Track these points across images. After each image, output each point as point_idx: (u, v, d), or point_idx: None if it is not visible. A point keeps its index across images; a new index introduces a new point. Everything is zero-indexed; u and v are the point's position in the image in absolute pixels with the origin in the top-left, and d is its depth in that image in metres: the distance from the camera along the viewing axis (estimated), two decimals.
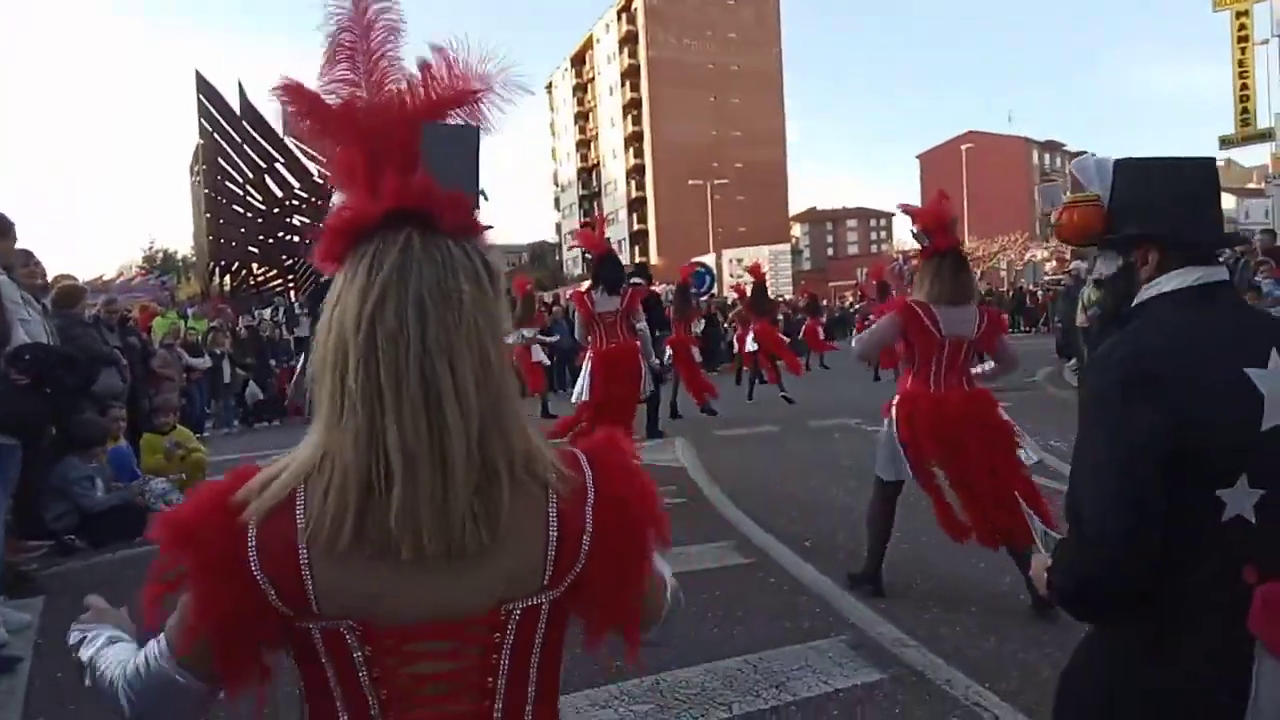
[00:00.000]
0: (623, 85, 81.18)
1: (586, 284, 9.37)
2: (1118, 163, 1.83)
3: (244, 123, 25.81)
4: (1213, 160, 1.85)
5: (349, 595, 1.10)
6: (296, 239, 27.20)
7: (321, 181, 26.98)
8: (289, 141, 26.27)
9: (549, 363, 14.41)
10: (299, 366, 16.09)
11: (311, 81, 1.20)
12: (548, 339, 14.78)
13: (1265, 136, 25.14)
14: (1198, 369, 1.62)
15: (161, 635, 1.18)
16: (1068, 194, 1.85)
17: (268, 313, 18.88)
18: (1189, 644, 1.60)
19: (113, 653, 1.28)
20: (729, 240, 53.65)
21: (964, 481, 4.74)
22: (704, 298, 22.24)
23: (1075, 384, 14.35)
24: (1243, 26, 25.90)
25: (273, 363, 16.25)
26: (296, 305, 22.24)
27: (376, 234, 1.12)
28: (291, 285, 27.91)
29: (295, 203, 26.68)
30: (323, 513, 1.08)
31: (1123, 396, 1.63)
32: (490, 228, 1.21)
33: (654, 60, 78.19)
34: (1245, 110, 25.89)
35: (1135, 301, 1.79)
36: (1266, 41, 24.21)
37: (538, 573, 1.15)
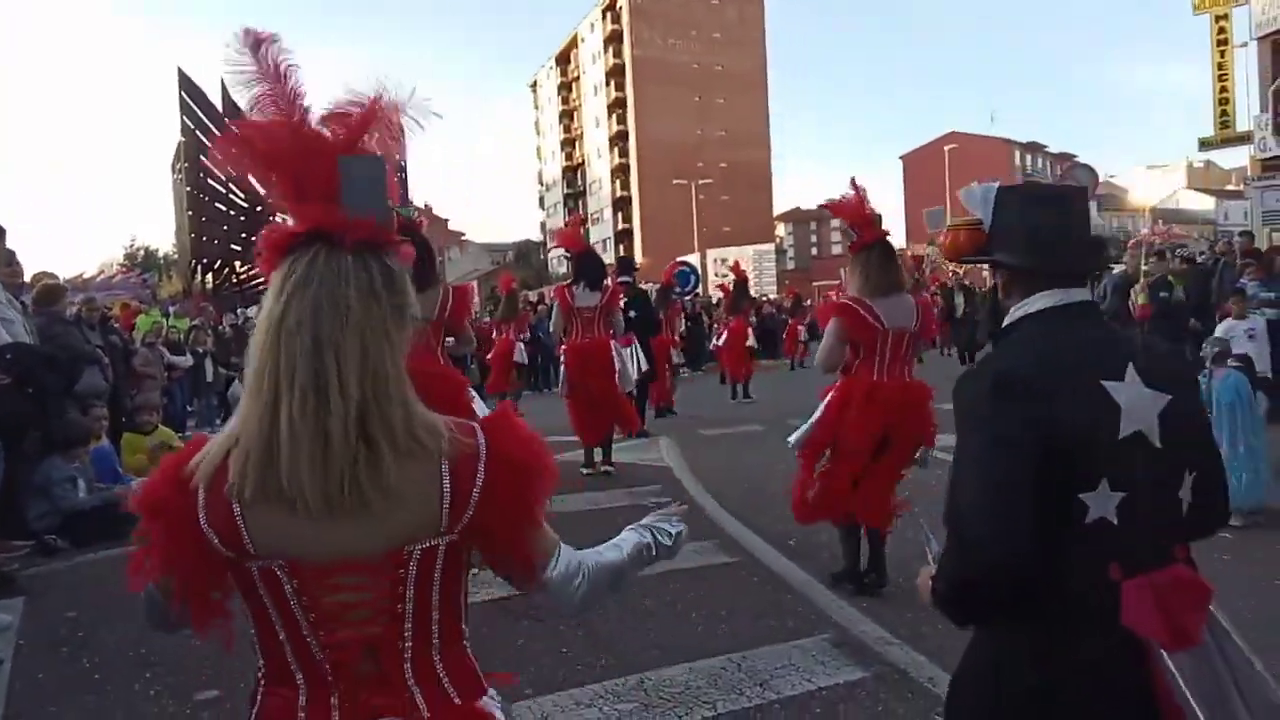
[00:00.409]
0: (607, 84, 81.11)
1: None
2: (998, 191, 1.98)
3: (227, 120, 25.67)
4: (1082, 190, 2.08)
5: (276, 540, 1.38)
6: None
7: None
8: None
9: (526, 362, 14.43)
10: None
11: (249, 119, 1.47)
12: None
13: (1244, 139, 25.34)
14: (1060, 382, 1.74)
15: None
16: (949, 218, 2.06)
17: (252, 311, 18.75)
18: (1072, 646, 1.69)
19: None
20: (713, 240, 53.67)
21: (889, 466, 4.99)
22: (688, 297, 22.28)
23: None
24: (1222, 30, 26.11)
25: None
26: None
27: (295, 250, 1.40)
28: None
29: None
30: (240, 474, 1.36)
31: (993, 408, 1.75)
32: (404, 241, 1.49)
33: (639, 59, 78.17)
34: (1224, 113, 26.10)
35: (1006, 321, 1.94)
36: (1245, 45, 24.41)
37: (435, 520, 1.41)
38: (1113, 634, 1.67)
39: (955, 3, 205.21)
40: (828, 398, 5.11)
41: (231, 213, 26.23)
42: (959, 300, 15.46)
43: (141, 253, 56.85)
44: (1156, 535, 1.76)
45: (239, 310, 19.09)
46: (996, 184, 2.00)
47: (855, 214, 5.11)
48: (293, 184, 1.44)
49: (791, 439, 5.23)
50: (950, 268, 22.49)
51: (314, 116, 1.46)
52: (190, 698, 4.08)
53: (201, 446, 1.43)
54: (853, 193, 5.14)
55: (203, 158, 25.40)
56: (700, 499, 7.24)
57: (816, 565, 5.55)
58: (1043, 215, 1.94)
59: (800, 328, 22.42)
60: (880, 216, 5.22)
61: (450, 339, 5.42)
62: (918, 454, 5.06)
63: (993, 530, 1.68)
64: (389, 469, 1.36)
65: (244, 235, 26.47)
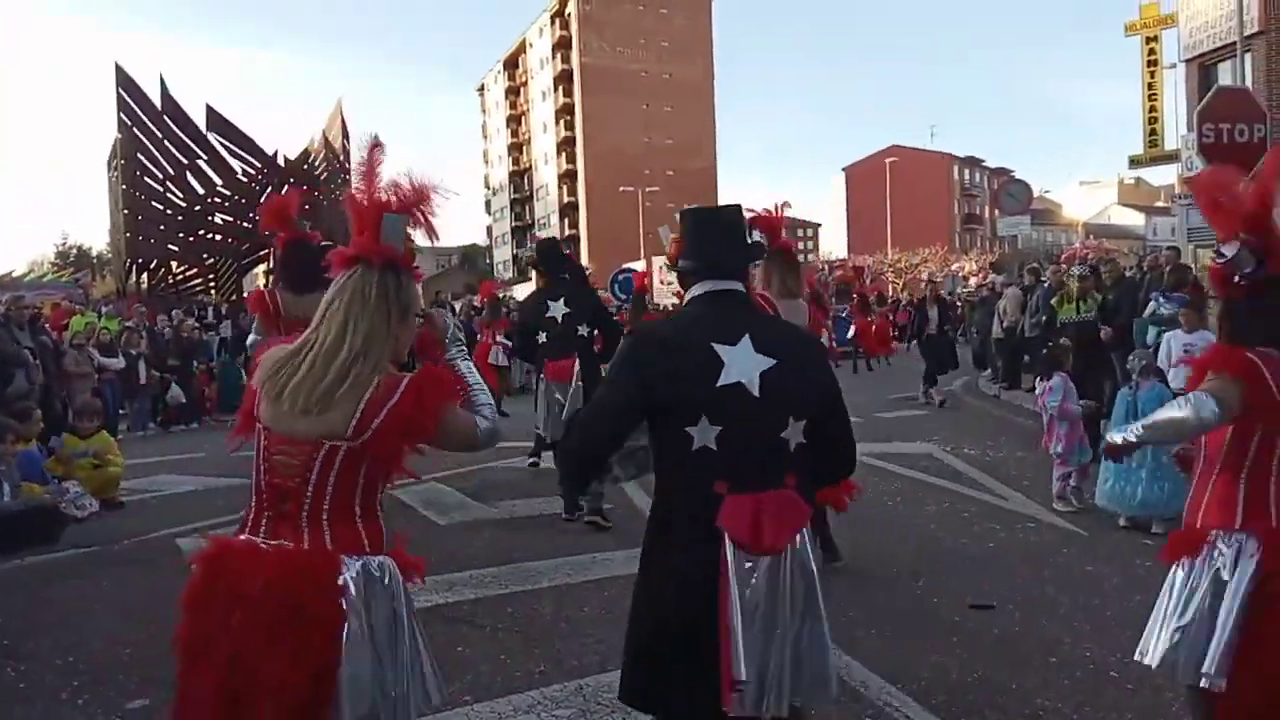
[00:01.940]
0: (555, 90, 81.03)
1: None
2: (681, 212, 2.74)
3: (165, 118, 25.07)
4: (735, 208, 2.72)
5: (266, 412, 2.27)
6: (218, 238, 26.51)
7: (245, 180, 26.40)
8: (212, 138, 25.67)
9: (506, 364, 14.46)
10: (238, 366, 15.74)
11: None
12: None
13: (1172, 158, 26.20)
14: (678, 343, 2.41)
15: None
16: (674, 232, 2.70)
17: (192, 315, 18.36)
18: (681, 530, 2.36)
19: None
20: (660, 247, 53.84)
21: None
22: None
23: (991, 394, 14.78)
24: (1152, 51, 26.99)
25: (195, 365, 15.77)
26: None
27: (352, 265, 2.33)
28: (213, 285, 27.19)
29: (217, 200, 25.96)
30: (267, 370, 2.30)
31: (622, 359, 2.49)
32: (417, 268, 2.42)
33: (587, 66, 78.24)
34: (1154, 132, 26.97)
35: (685, 302, 2.62)
36: (1174, 66, 25.26)
37: (346, 427, 2.19)
38: (711, 533, 2.25)
39: (898, 20, 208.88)
40: None
41: (169, 212, 25.58)
42: (933, 314, 14.55)
43: (74, 251, 55.27)
44: (763, 464, 2.33)
45: (174, 312, 18.62)
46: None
47: (767, 225, 5.52)
48: (358, 228, 2.34)
49: None
50: (925, 279, 22.64)
51: (382, 183, 2.39)
52: (120, 706, 4.01)
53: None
54: (772, 209, 5.63)
55: (140, 155, 24.78)
56: (641, 505, 7.27)
57: None
58: (700, 229, 2.61)
59: None
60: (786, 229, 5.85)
61: None
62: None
63: (586, 431, 2.48)
64: (348, 393, 2.20)
65: (181, 235, 25.89)
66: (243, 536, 2.27)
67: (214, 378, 16.08)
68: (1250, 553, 2.54)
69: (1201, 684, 2.54)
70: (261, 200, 26.67)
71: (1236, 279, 2.70)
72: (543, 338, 6.84)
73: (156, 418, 14.76)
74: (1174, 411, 2.67)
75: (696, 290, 2.54)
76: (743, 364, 2.35)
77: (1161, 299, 8.76)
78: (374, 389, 2.20)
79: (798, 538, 2.30)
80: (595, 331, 6.95)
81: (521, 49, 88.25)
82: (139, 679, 4.25)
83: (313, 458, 2.20)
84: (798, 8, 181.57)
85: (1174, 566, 2.73)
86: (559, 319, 6.79)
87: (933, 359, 14.20)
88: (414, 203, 2.37)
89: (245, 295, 28.16)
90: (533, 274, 9.23)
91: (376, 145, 2.41)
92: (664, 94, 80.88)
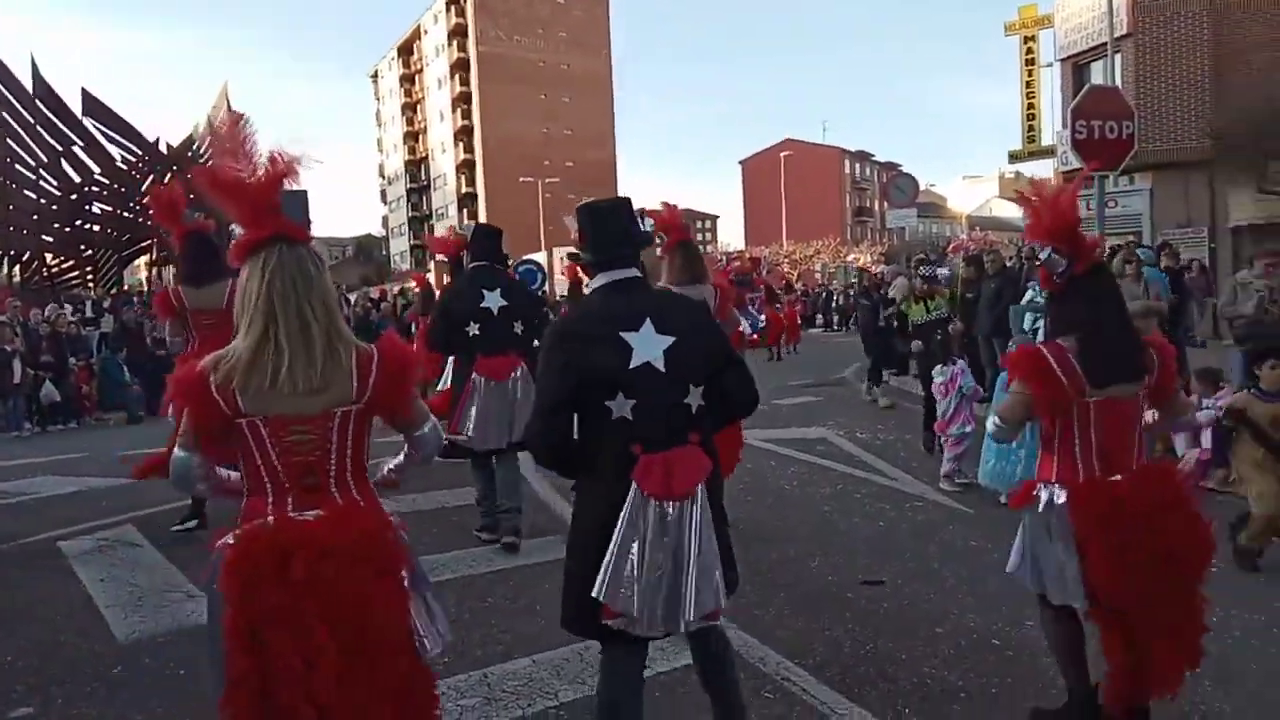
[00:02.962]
0: (452, 78, 79.78)
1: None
2: (577, 209, 3.02)
3: (38, 102, 23.80)
4: (624, 201, 3.05)
5: (258, 405, 2.34)
6: (96, 228, 25.31)
7: (125, 167, 25.26)
8: (88, 123, 24.47)
9: None
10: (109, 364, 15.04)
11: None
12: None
13: (1049, 153, 27.43)
14: (592, 331, 2.78)
15: (176, 448, 2.48)
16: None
17: (69, 309, 17.44)
18: (604, 481, 2.76)
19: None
20: (560, 238, 53.63)
21: None
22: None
23: (883, 379, 15.23)
24: (1030, 51, 28.19)
25: (72, 361, 14.99)
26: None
27: (269, 245, 2.40)
28: (91, 278, 25.95)
29: (95, 189, 24.79)
30: (241, 370, 2.33)
31: (549, 346, 2.82)
32: (313, 238, 2.48)
33: (484, 55, 77.27)
34: (1032, 128, 28.18)
35: (586, 293, 2.97)
36: (1050, 65, 26.44)
37: (349, 395, 2.42)
38: (625, 480, 2.69)
39: (792, 15, 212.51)
40: None
41: (43, 202, 24.32)
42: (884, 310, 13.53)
43: None
44: (670, 427, 2.76)
45: (50, 306, 17.70)
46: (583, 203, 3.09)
47: (666, 220, 6.14)
48: (251, 209, 2.41)
49: None
50: (874, 271, 22.95)
51: (261, 161, 2.41)
52: (3, 715, 3.86)
53: (204, 364, 2.36)
54: (664, 208, 6.26)
55: (10, 141, 23.45)
56: (545, 495, 7.30)
57: None
58: (596, 223, 2.93)
59: None
60: (689, 225, 6.24)
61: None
62: None
63: (539, 428, 2.79)
64: (333, 366, 2.39)
65: (56, 226, 24.64)
66: (269, 519, 2.35)
67: (94, 374, 15.36)
68: (1060, 498, 3.17)
69: (1073, 603, 3.18)
70: (143, 188, 25.77)
71: (1055, 278, 3.24)
72: (475, 330, 5.93)
73: (33, 417, 14.04)
74: (991, 425, 3.39)
75: (600, 281, 2.90)
76: (648, 346, 2.77)
77: (1038, 287, 9.19)
78: (356, 353, 2.44)
79: (699, 487, 2.75)
80: (525, 330, 6.11)
81: (416, 35, 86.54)
82: (22, 686, 4.09)
83: (329, 427, 2.39)
84: (695, 3, 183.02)
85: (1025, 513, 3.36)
86: (494, 311, 5.94)
87: (877, 353, 13.16)
88: (289, 174, 2.45)
89: (125, 288, 27.06)
90: (433, 263, 8.88)
91: (240, 121, 2.51)
92: (563, 85, 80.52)
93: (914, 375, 12.75)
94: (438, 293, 8.69)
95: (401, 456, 2.84)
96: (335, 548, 2.29)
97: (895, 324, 9.43)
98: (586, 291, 2.96)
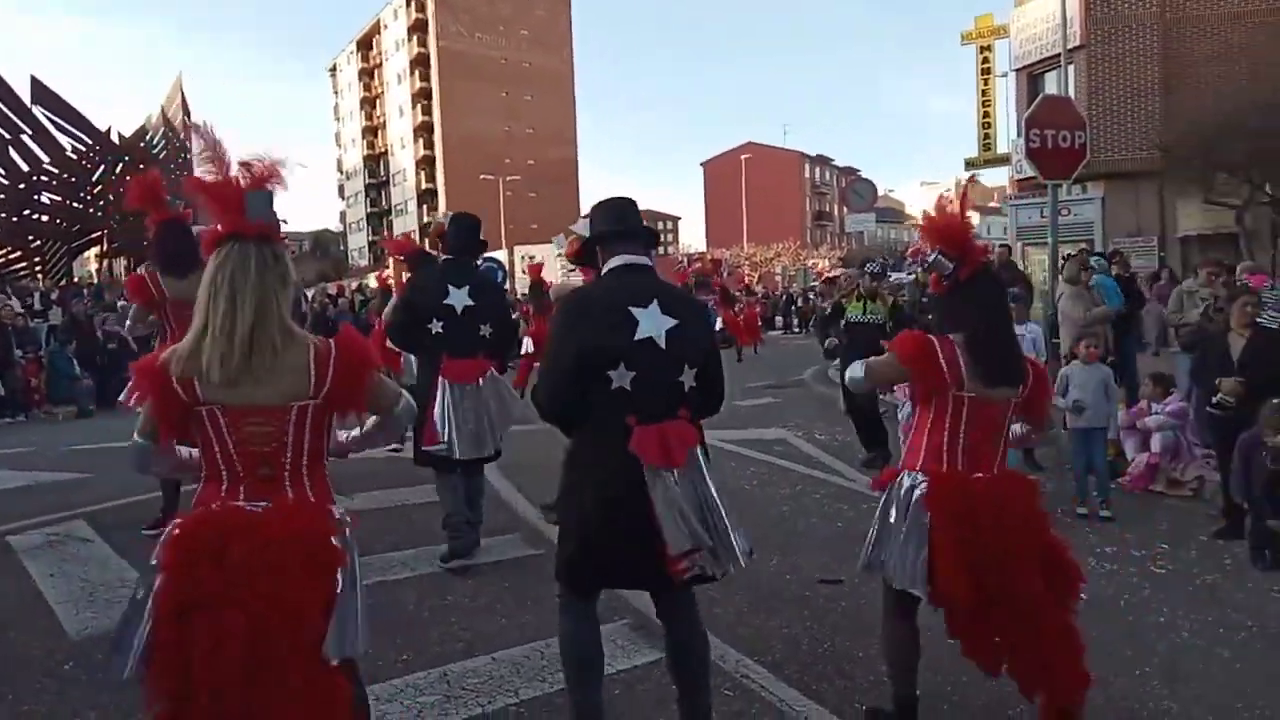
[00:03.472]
0: (412, 74, 79.12)
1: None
2: (592, 207, 3.41)
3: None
4: (625, 200, 3.35)
5: (217, 394, 2.43)
6: (45, 218, 24.75)
7: (75, 157, 24.72)
8: (37, 111, 23.91)
9: None
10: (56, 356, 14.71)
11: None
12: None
13: (1004, 160, 27.93)
14: (600, 306, 3.07)
15: (135, 432, 2.59)
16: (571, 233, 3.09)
17: (15, 302, 16.98)
18: (603, 447, 3.01)
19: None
20: (521, 236, 53.53)
21: None
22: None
23: (838, 381, 15.40)
24: (986, 60, 28.68)
25: (19, 354, 14.60)
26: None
27: (226, 242, 2.51)
28: (39, 269, 25.37)
29: (44, 179, 24.23)
30: (183, 359, 2.44)
31: (559, 323, 3.11)
32: (283, 238, 2.61)
33: (444, 51, 76.75)
34: (987, 136, 28.67)
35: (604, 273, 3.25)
36: (1006, 75, 26.90)
37: (306, 390, 2.49)
38: (626, 454, 2.93)
39: (753, 20, 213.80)
40: None
41: None
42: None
43: None
44: (666, 400, 3.01)
45: None
46: (586, 216, 3.61)
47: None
48: (220, 208, 2.53)
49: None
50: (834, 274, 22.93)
51: (235, 162, 2.60)
52: None
53: (159, 359, 2.47)
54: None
55: None
56: (506, 494, 7.29)
57: None
58: (615, 213, 3.28)
59: None
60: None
61: None
62: None
63: (547, 396, 3.08)
64: (279, 354, 2.46)
65: (3, 216, 24.05)
66: (215, 505, 2.46)
67: (42, 367, 15.00)
68: (920, 487, 3.28)
69: (914, 591, 3.25)
70: (94, 179, 25.24)
71: (943, 279, 3.42)
72: (438, 328, 5.45)
73: None
74: (852, 372, 3.68)
75: (614, 263, 3.20)
76: (653, 323, 3.03)
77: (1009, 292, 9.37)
78: (313, 349, 2.51)
79: (690, 454, 3.03)
80: (494, 333, 5.66)
81: (376, 29, 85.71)
82: None
83: (286, 420, 2.48)
84: (657, 5, 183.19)
85: (881, 496, 3.47)
86: (458, 310, 5.46)
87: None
88: (269, 178, 2.59)
89: (75, 280, 26.46)
90: (392, 261, 8.64)
91: (209, 130, 2.65)
92: (524, 83, 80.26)
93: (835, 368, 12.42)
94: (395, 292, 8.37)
95: (359, 431, 2.89)
96: (276, 540, 2.37)
97: (828, 313, 9.38)
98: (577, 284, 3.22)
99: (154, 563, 2.41)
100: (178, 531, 2.41)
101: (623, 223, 3.23)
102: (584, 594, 3.20)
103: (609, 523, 2.97)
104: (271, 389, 2.45)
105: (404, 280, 8.08)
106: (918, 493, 3.27)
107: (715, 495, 3.07)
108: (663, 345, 3.01)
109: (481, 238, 5.88)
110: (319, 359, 2.49)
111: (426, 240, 12.26)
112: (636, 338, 2.99)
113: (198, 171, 2.63)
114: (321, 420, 2.54)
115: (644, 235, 3.28)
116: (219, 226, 2.53)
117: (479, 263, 6.51)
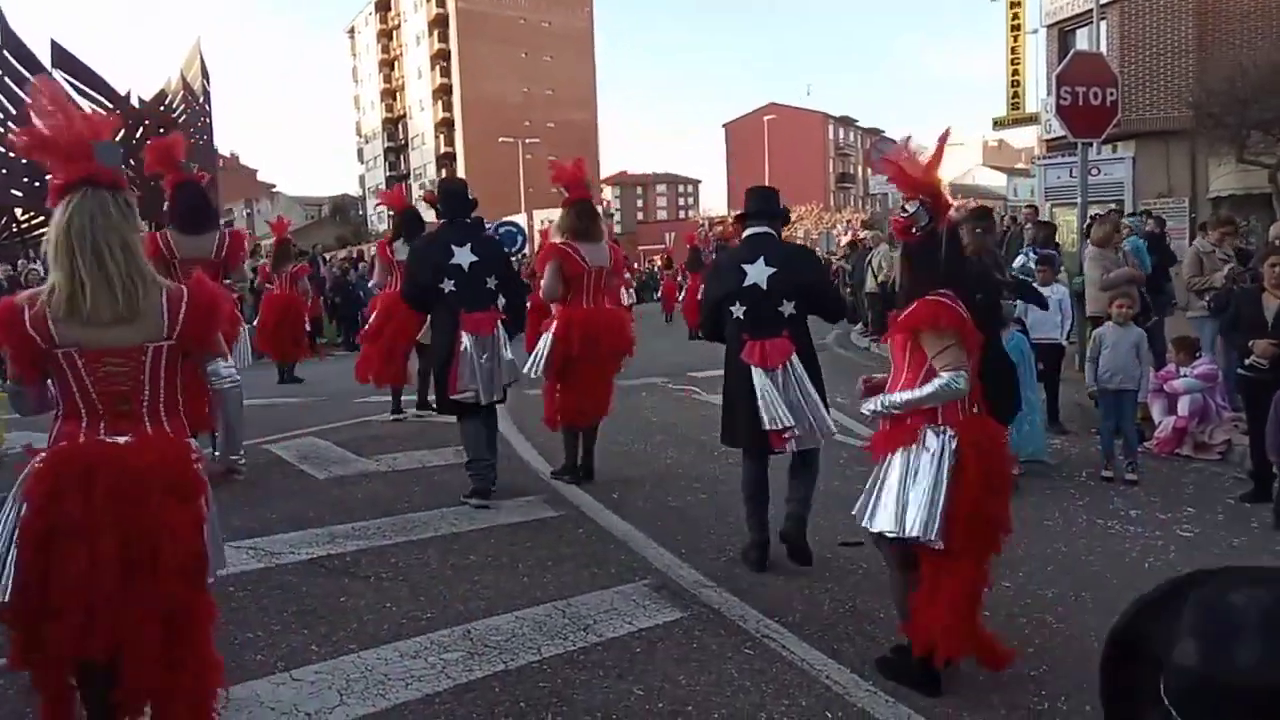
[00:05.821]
0: (430, 35, 78.47)
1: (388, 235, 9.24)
2: (747, 190, 5.11)
3: (5, 53, 23.20)
4: (767, 189, 5.15)
5: (72, 337, 2.52)
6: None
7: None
8: (58, 75, 23.89)
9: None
10: None
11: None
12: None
13: (1033, 120, 27.43)
14: (726, 265, 5.04)
15: (10, 378, 2.67)
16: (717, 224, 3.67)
17: (39, 265, 17.06)
18: (732, 354, 4.80)
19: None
20: (540, 200, 53.19)
21: (591, 374, 6.36)
22: (515, 258, 22.04)
23: (863, 346, 15.32)
24: (1015, 17, 28.05)
25: None
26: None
27: (74, 189, 2.57)
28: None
29: None
30: (56, 303, 2.52)
31: (709, 277, 5.39)
32: (124, 186, 2.67)
33: (463, 11, 76.02)
34: (1016, 95, 28.13)
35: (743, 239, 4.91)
36: (1036, 32, 26.34)
37: (162, 329, 2.62)
38: (740, 360, 4.69)
39: None
40: (552, 327, 6.31)
41: (11, 156, 23.79)
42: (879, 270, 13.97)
43: None
44: (770, 324, 4.65)
45: (20, 262, 17.39)
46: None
47: (569, 177, 6.46)
48: (65, 156, 2.58)
49: (530, 368, 6.36)
50: (859, 237, 22.73)
51: (81, 115, 2.71)
52: None
53: (17, 300, 2.57)
54: (571, 163, 6.55)
55: None
56: (527, 455, 7.31)
57: (638, 515, 5.75)
58: (756, 196, 4.99)
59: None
60: (590, 182, 7.03)
61: (227, 279, 6.39)
62: None
63: (702, 322, 5.11)
64: (142, 297, 2.58)
65: (26, 180, 24.13)
66: (80, 439, 2.57)
67: None
68: (951, 437, 3.33)
69: (932, 542, 3.31)
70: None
71: (914, 230, 3.45)
72: (450, 286, 5.85)
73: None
74: (930, 390, 3.37)
75: (747, 232, 4.93)
76: (757, 273, 4.68)
77: (1032, 253, 9.21)
78: (166, 293, 2.63)
79: (788, 360, 4.65)
80: (500, 285, 6.05)
81: None
82: None
83: (141, 360, 2.60)
84: None
85: (887, 454, 3.52)
86: (465, 267, 5.86)
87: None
88: (113, 130, 2.77)
89: None
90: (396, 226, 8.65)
91: (47, 81, 2.76)
92: (544, 43, 79.50)
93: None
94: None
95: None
96: (139, 469, 2.52)
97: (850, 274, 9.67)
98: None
99: (17, 493, 2.53)
100: (42, 466, 2.52)
101: (755, 205, 4.91)
102: (744, 449, 4.85)
103: (734, 402, 4.75)
104: (131, 330, 2.57)
105: (388, 243, 8.57)
106: (951, 446, 3.33)
107: (812, 393, 4.63)
108: (764, 288, 4.63)
109: (470, 197, 6.37)
110: (171, 301, 2.63)
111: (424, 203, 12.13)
112: (745, 284, 4.65)
113: (37, 124, 2.65)
114: (175, 360, 2.68)
115: (769, 214, 4.94)
116: (64, 174, 2.57)
117: (497, 226, 7.64)
